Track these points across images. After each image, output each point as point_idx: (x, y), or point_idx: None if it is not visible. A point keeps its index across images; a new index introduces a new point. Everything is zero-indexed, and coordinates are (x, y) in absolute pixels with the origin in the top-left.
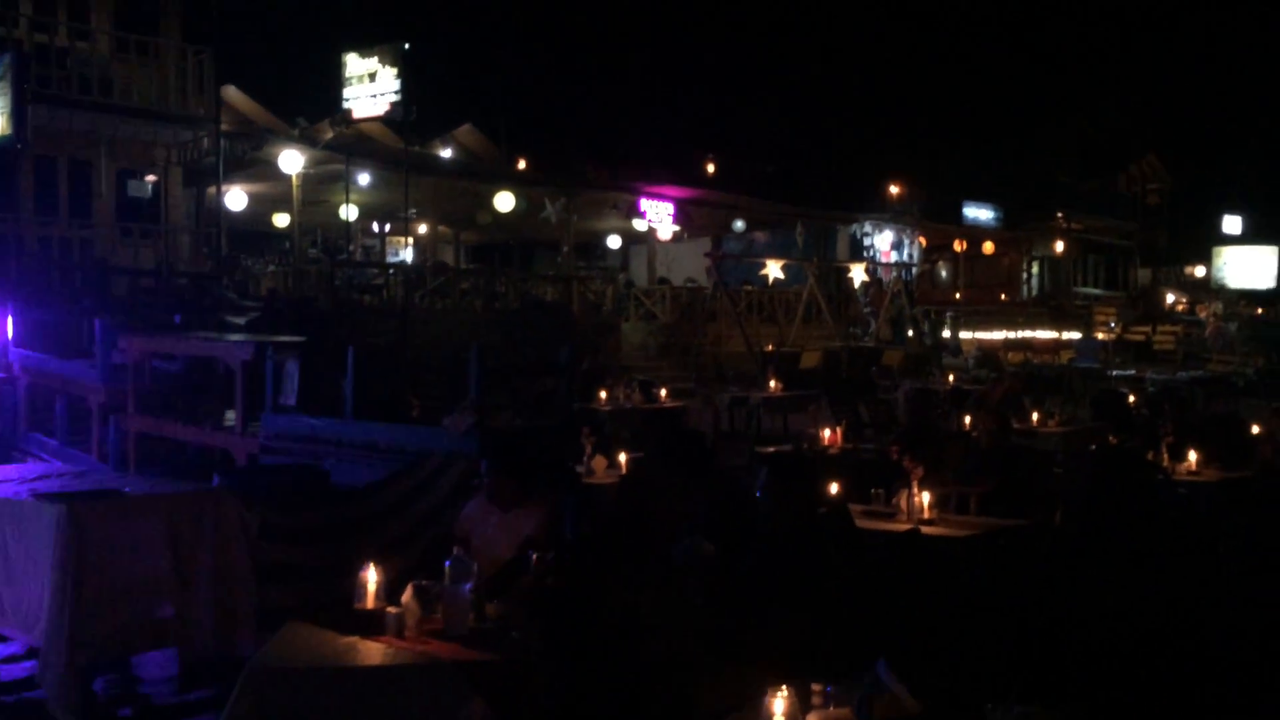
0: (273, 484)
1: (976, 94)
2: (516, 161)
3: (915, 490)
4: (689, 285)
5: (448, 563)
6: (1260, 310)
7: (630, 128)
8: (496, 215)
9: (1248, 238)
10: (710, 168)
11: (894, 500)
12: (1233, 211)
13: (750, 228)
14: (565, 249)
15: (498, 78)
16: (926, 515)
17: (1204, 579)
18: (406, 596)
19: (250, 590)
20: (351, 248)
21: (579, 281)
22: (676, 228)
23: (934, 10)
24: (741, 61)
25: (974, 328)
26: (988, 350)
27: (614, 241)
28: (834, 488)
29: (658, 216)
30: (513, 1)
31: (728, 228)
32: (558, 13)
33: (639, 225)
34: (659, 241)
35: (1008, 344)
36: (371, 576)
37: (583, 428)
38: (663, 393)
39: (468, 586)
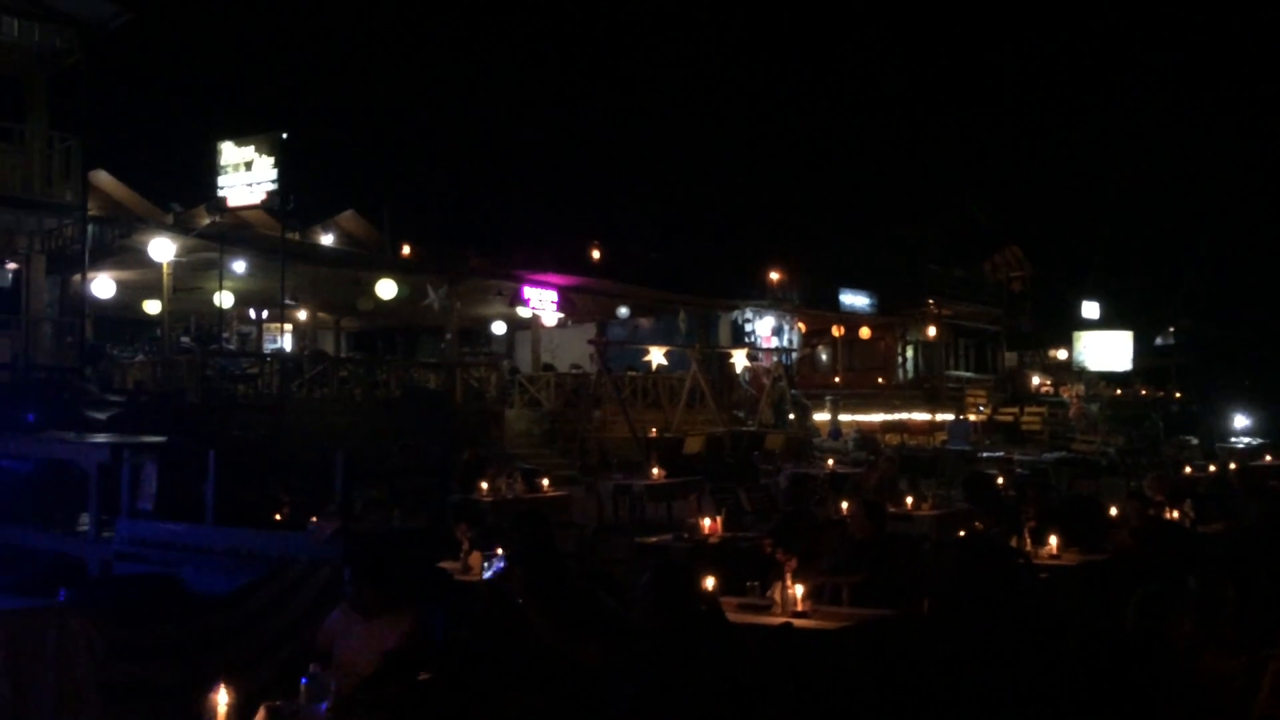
0: (123, 596)
1: (851, 186)
2: (400, 247)
3: (789, 583)
4: (574, 371)
5: (304, 680)
6: (1118, 391)
7: (516, 214)
8: (379, 302)
9: (1105, 323)
10: (596, 254)
11: (769, 593)
12: (1090, 298)
13: (635, 314)
14: (449, 335)
15: (383, 164)
16: (800, 608)
17: (1058, 663)
18: (259, 719)
19: (95, 713)
20: (226, 335)
21: (463, 368)
22: (561, 315)
23: (807, 109)
24: (628, 150)
25: (853, 410)
26: (866, 433)
27: (499, 327)
28: (710, 581)
29: (542, 304)
30: (401, 88)
31: (612, 314)
32: (446, 100)
33: (524, 312)
34: (544, 328)
35: (885, 426)
36: (222, 698)
37: (459, 524)
38: (545, 482)
39: (324, 706)
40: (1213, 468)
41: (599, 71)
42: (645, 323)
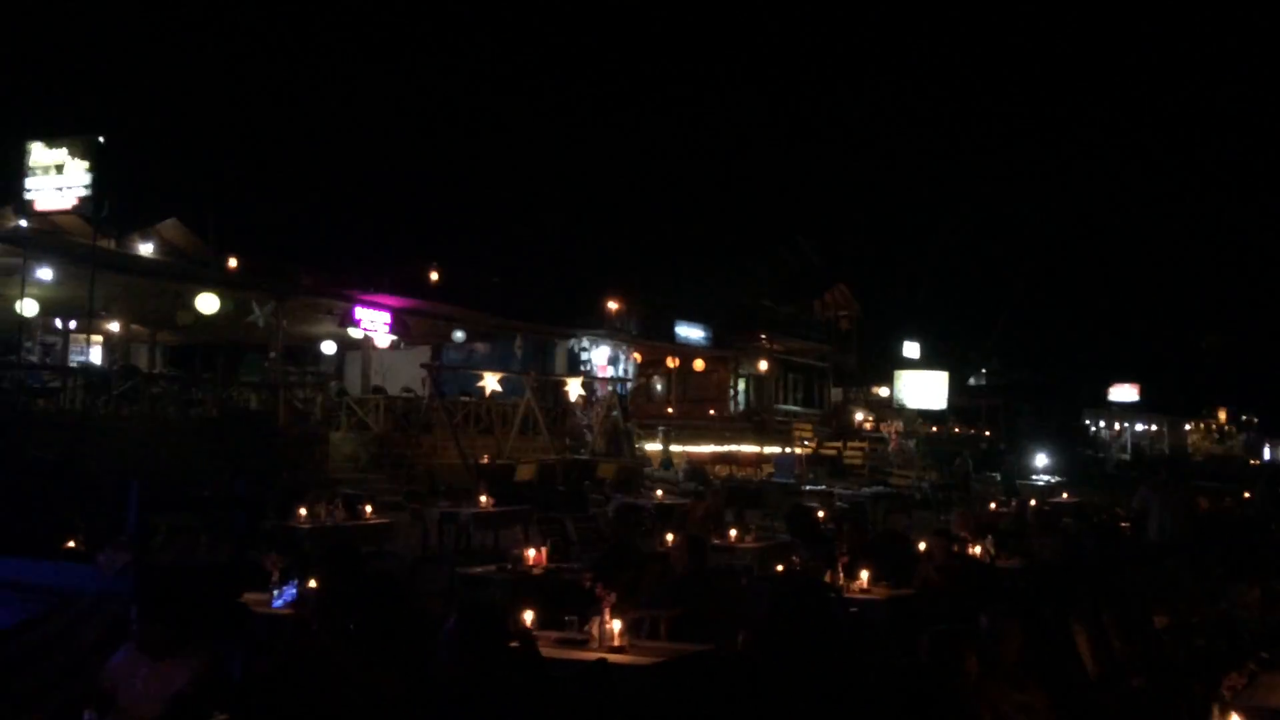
0: None
1: (689, 220)
2: (226, 260)
3: (607, 618)
4: (405, 395)
5: None
6: (934, 428)
7: (352, 232)
8: (199, 316)
9: (924, 362)
10: (434, 276)
11: (587, 627)
12: (911, 338)
13: (471, 339)
14: (273, 354)
15: (212, 173)
16: (617, 643)
17: (860, 699)
18: None
19: None
20: (28, 345)
21: (287, 389)
22: (394, 336)
23: (648, 143)
24: (469, 173)
25: (685, 441)
26: (697, 464)
27: (329, 347)
28: (529, 615)
29: (374, 325)
30: (238, 96)
31: (448, 337)
32: (285, 112)
33: (355, 333)
34: (376, 349)
35: (715, 457)
36: None
37: (269, 553)
38: (368, 508)
39: None
40: (1014, 503)
41: (440, 91)
42: (481, 347)
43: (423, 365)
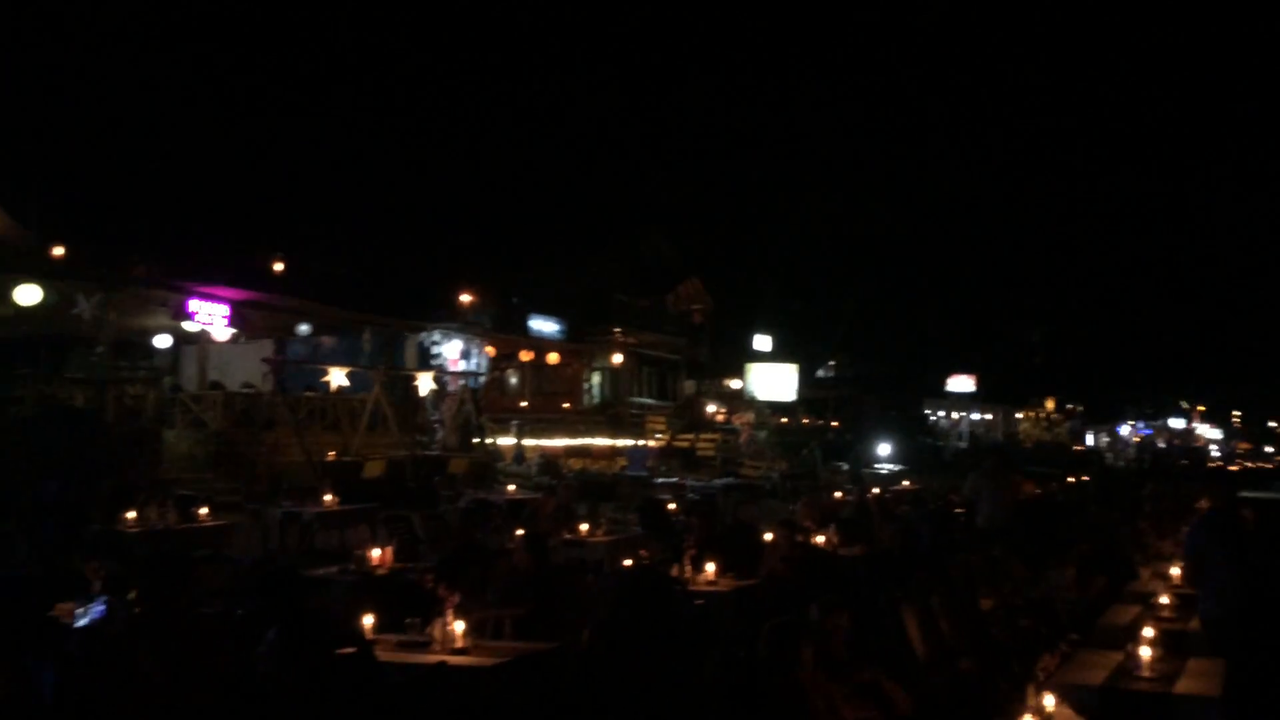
0: None
1: (541, 213)
2: (50, 249)
3: (449, 619)
4: (246, 390)
5: None
6: (784, 419)
7: (189, 220)
8: (18, 308)
9: (774, 355)
10: (278, 267)
11: (428, 629)
12: (762, 331)
13: (317, 332)
14: (100, 348)
15: (35, 155)
16: (459, 645)
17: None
18: None
19: None
20: None
21: (115, 385)
22: (233, 330)
23: (500, 136)
24: (316, 160)
25: (539, 435)
26: (550, 458)
27: (163, 341)
28: (369, 619)
29: (211, 318)
30: (64, 72)
31: (292, 331)
32: (117, 91)
33: (191, 326)
34: (214, 343)
35: (569, 451)
36: None
37: (90, 561)
38: (204, 510)
39: None
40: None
41: (284, 71)
42: (327, 341)
43: (264, 360)
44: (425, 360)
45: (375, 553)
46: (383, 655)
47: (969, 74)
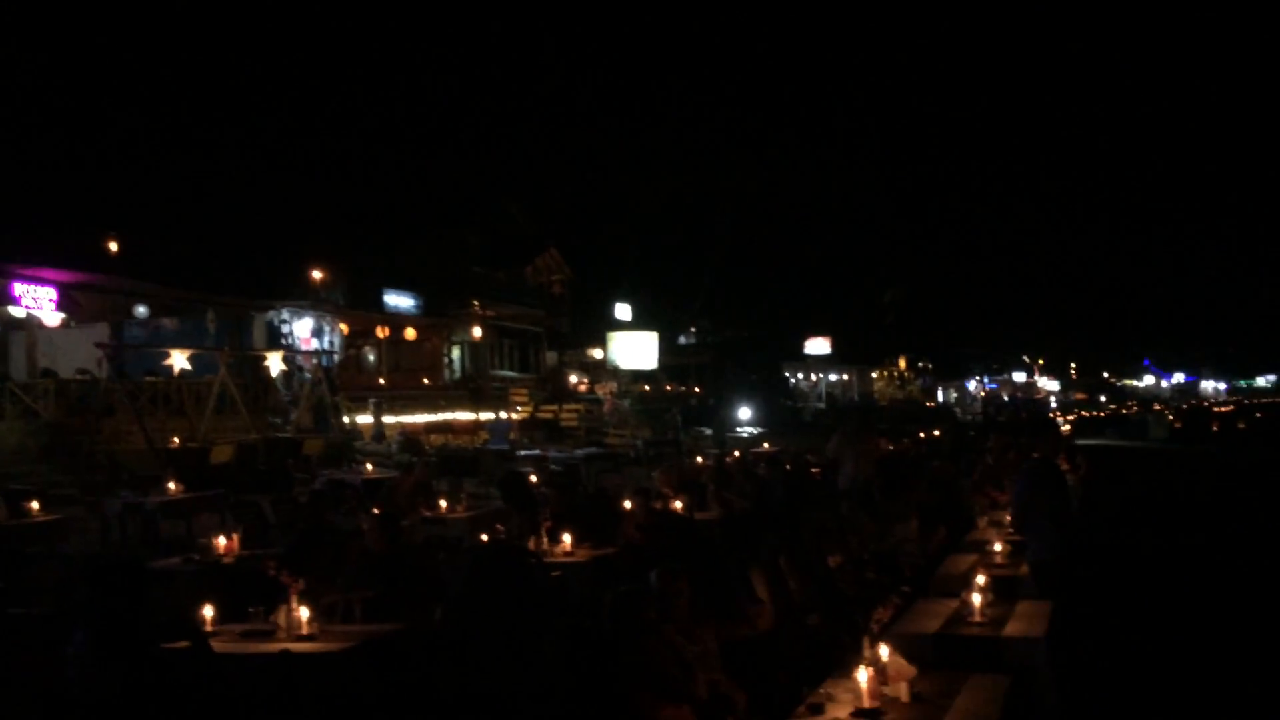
0: None
1: (393, 186)
2: None
3: (294, 605)
4: (81, 377)
5: None
6: (646, 387)
7: (10, 198)
8: None
9: (635, 324)
10: (113, 246)
11: (272, 617)
12: (623, 300)
13: (157, 314)
14: None
15: None
16: (305, 631)
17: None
18: None
19: None
20: None
21: None
22: (63, 314)
23: (346, 107)
24: (153, 131)
25: (398, 412)
26: (411, 435)
27: None
28: (209, 610)
29: (36, 302)
30: None
31: (129, 313)
32: None
33: (16, 311)
34: (43, 328)
35: (430, 427)
36: None
37: None
38: (35, 504)
39: None
40: (708, 457)
41: (116, 38)
42: (169, 323)
43: (98, 345)
44: (275, 340)
45: (221, 541)
46: (224, 647)
47: (818, 39)
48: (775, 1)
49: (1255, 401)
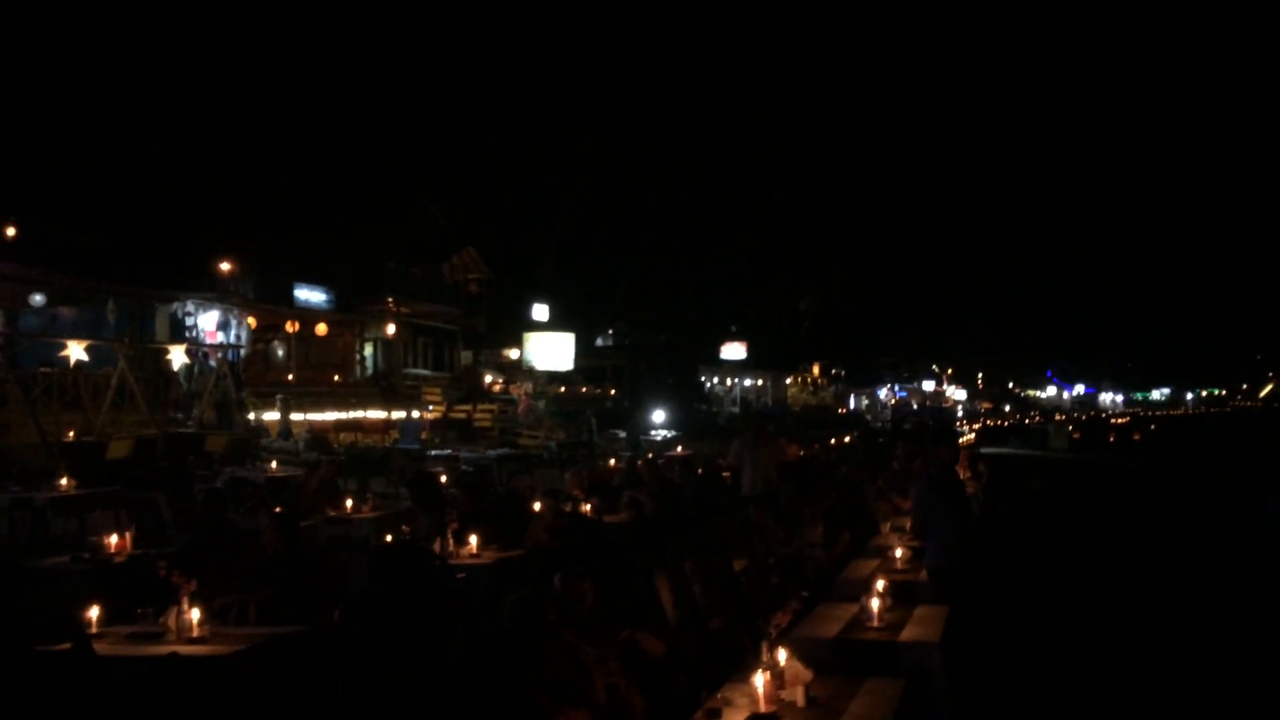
0: None
1: (308, 180)
2: None
3: (185, 607)
4: None
5: None
6: (562, 388)
7: None
8: None
9: (552, 325)
10: (10, 232)
11: (162, 619)
12: (540, 301)
13: (54, 302)
14: None
15: None
16: (196, 634)
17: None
18: None
19: None
20: None
21: None
22: None
23: (261, 100)
24: (53, 115)
25: (307, 409)
26: (319, 432)
27: None
28: (95, 610)
29: None
30: None
31: (24, 302)
32: None
33: None
34: None
35: (340, 425)
36: None
37: None
38: None
39: None
40: (621, 460)
41: (16, 23)
42: (67, 313)
43: None
44: (179, 332)
45: (113, 539)
46: (109, 649)
47: (738, 48)
48: (697, 11)
49: (1150, 414)
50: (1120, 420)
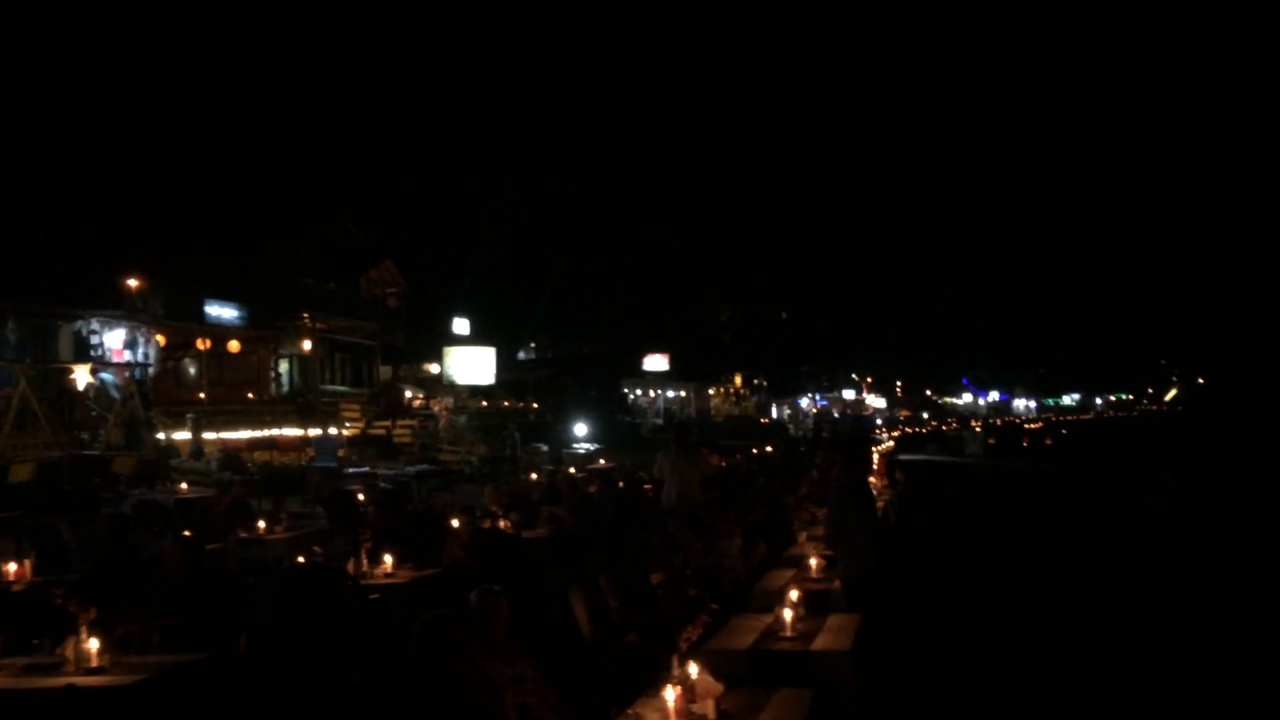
0: None
1: (218, 193)
2: None
3: (83, 636)
4: None
5: None
6: (484, 403)
7: None
8: None
9: (473, 339)
10: None
11: (59, 650)
12: (460, 315)
13: None
14: None
15: None
16: (95, 664)
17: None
18: None
19: None
20: None
21: None
22: None
23: (170, 111)
24: None
25: (219, 428)
26: (232, 451)
27: None
28: None
29: None
30: None
31: None
32: None
33: None
34: None
35: (253, 444)
36: None
37: None
38: None
39: None
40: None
41: None
42: None
43: None
44: (83, 351)
45: (11, 566)
46: (4, 682)
47: (657, 58)
48: (616, 19)
49: (1061, 419)
50: (1033, 426)
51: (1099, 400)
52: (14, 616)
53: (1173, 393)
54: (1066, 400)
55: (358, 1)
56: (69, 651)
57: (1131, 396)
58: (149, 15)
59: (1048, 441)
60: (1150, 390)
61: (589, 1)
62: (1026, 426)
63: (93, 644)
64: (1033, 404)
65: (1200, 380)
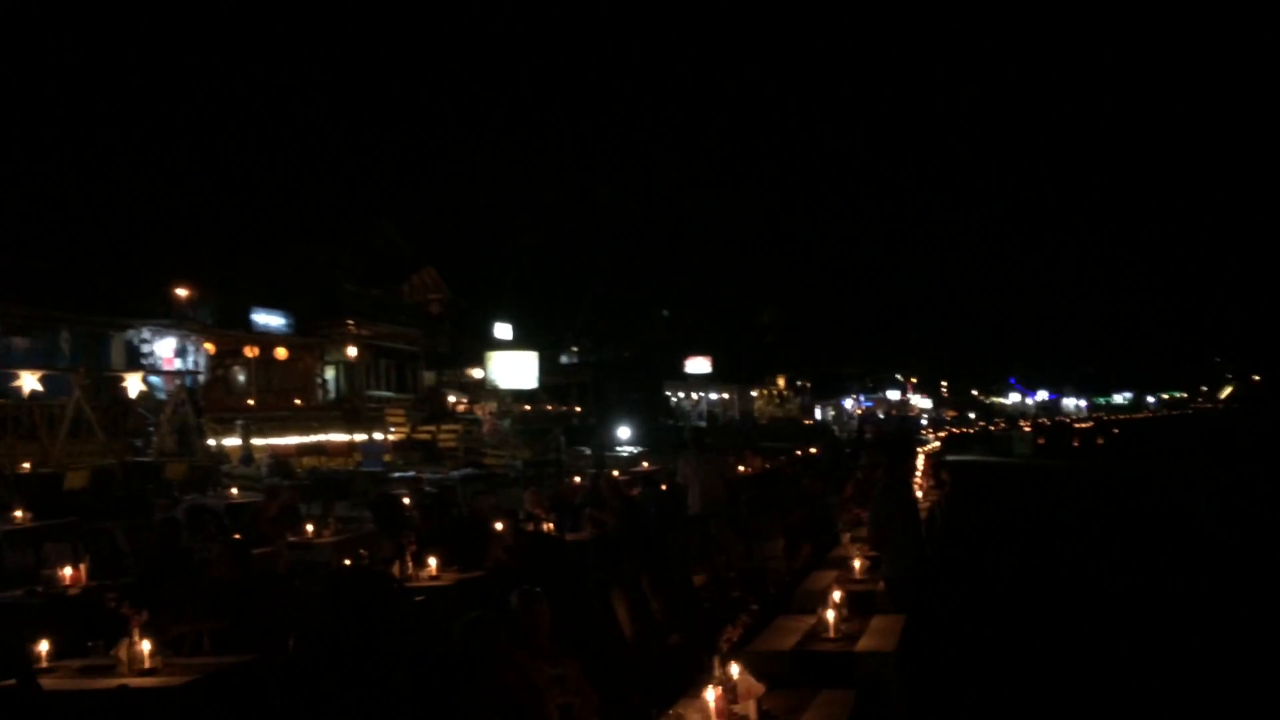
0: None
1: (264, 203)
2: None
3: (135, 638)
4: None
5: None
6: (527, 407)
7: None
8: None
9: (515, 343)
10: None
11: (113, 652)
12: (502, 319)
13: (6, 332)
14: None
15: None
16: (147, 665)
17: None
18: None
19: None
20: None
21: None
22: None
23: (218, 115)
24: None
25: (268, 434)
26: (281, 457)
27: None
28: (44, 645)
29: None
30: None
31: None
32: None
33: None
34: None
35: (302, 449)
36: None
37: None
38: None
39: None
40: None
41: None
42: (19, 342)
43: None
44: (135, 360)
45: (67, 571)
46: (58, 684)
47: (695, 63)
48: (658, 28)
49: (1113, 418)
50: (1083, 425)
51: (1151, 399)
52: (70, 619)
53: (1228, 390)
54: (1118, 399)
55: (405, 11)
56: (122, 653)
57: (1185, 394)
58: (198, 28)
59: (1099, 441)
60: (1204, 388)
61: (635, 10)
62: (1077, 426)
63: (145, 646)
64: (1083, 403)
65: (1255, 378)
